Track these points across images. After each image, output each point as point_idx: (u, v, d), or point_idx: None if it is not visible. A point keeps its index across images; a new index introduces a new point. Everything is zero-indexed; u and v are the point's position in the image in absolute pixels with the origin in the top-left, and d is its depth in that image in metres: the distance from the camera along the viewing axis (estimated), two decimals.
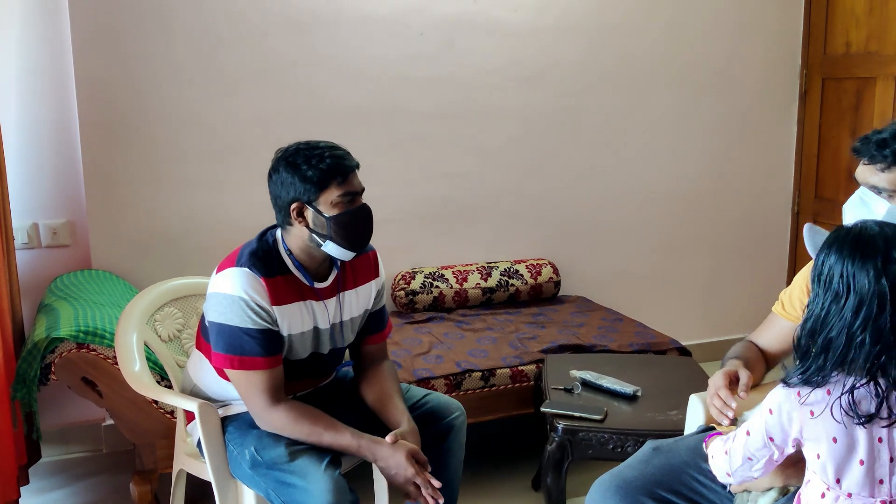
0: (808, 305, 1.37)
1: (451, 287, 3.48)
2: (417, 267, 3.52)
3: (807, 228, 1.52)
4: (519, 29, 3.55)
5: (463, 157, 3.58)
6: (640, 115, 3.84)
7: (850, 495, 1.33)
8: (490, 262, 3.62)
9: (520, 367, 2.90)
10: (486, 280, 3.52)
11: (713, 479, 1.74)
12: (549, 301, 3.62)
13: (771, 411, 1.39)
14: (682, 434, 2.07)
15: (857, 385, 1.28)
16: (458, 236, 3.64)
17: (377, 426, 2.04)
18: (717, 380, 1.82)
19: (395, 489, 2.01)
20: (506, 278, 3.55)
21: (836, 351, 1.29)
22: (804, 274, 1.90)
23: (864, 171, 1.68)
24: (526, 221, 3.74)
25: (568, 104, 3.70)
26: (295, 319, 1.98)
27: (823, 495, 1.35)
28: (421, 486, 1.90)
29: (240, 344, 1.90)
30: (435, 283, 3.46)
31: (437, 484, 1.91)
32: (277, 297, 1.93)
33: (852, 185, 3.93)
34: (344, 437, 1.93)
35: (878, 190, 1.65)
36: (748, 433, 1.45)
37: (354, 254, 2.00)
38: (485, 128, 3.59)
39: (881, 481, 1.31)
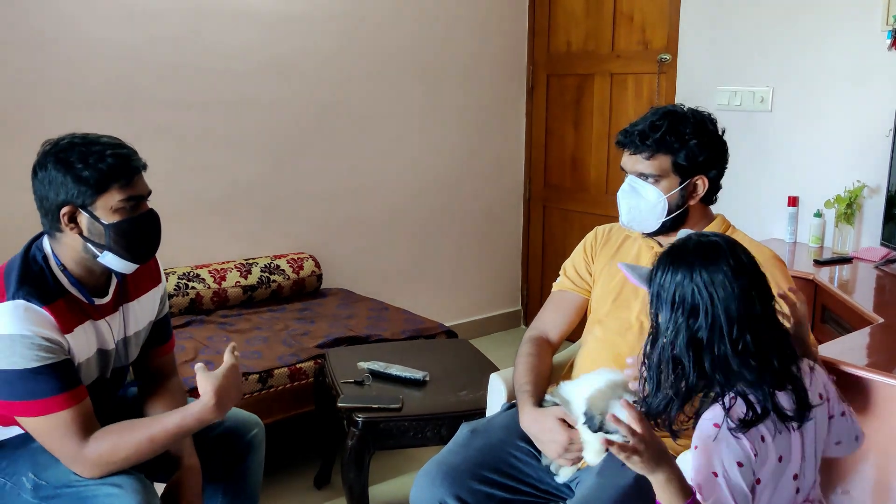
0: (662, 333, 1.26)
1: (209, 287, 3.26)
2: (169, 268, 3.24)
3: (622, 266, 1.48)
4: (267, 17, 3.41)
5: (213, 150, 3.37)
6: (391, 108, 3.89)
7: None
8: (249, 259, 3.45)
9: (298, 365, 2.81)
10: (245, 278, 3.35)
11: (528, 453, 1.84)
12: (311, 295, 3.54)
13: (741, 464, 1.20)
14: (484, 412, 2.15)
15: (767, 392, 1.20)
16: (212, 233, 3.43)
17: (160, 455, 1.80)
18: (555, 435, 1.76)
19: None
20: (267, 274, 3.40)
21: (732, 369, 1.18)
22: (583, 246, 2.05)
23: (630, 161, 1.85)
24: (283, 215, 3.62)
25: (321, 95, 3.64)
26: (81, 345, 1.71)
27: None
28: None
29: (31, 388, 1.59)
30: (191, 284, 3.22)
31: None
32: (65, 324, 1.66)
33: (577, 172, 4.30)
34: (171, 419, 1.66)
35: (644, 176, 1.83)
36: None
37: (137, 266, 1.78)
38: (234, 118, 3.41)
39: (797, 489, 1.27)
